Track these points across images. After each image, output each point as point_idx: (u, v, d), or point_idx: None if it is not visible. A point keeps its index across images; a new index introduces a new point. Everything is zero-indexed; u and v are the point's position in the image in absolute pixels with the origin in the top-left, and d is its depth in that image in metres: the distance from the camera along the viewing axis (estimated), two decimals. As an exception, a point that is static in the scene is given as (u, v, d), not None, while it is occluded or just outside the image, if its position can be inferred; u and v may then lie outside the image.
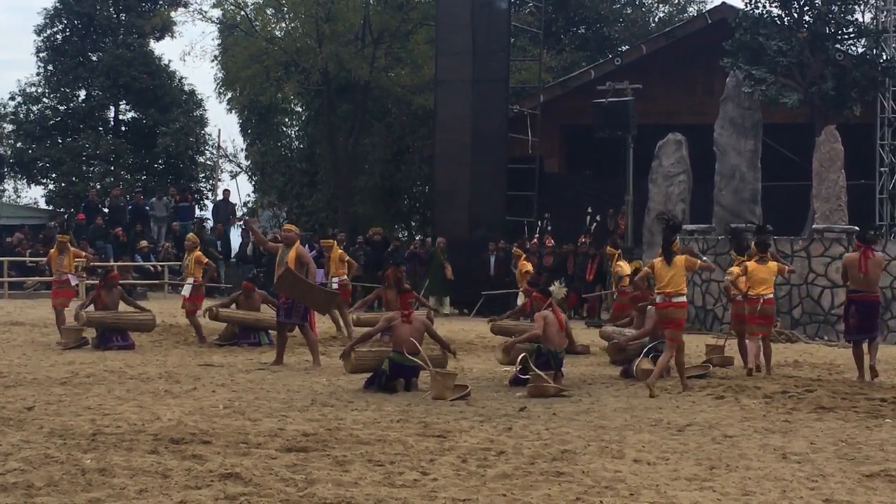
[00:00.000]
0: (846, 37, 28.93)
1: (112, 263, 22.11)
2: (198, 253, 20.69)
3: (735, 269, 16.99)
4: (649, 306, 16.33)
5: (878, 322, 16.82)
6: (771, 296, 16.67)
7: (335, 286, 21.02)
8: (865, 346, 16.24)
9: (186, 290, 20.58)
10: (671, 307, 14.80)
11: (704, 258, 16.16)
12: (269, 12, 38.98)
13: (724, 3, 32.89)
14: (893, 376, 16.77)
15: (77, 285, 20.84)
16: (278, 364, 16.84)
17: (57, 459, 9.24)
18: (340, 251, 22.08)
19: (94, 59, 42.78)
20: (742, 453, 10.23)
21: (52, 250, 20.95)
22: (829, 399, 13.62)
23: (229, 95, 42.88)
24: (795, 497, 8.62)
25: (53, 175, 42.27)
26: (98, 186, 39.20)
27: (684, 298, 14.98)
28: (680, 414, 12.66)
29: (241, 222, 32.94)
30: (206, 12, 39.28)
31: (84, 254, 21.31)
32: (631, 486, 8.82)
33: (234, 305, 20.49)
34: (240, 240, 35.52)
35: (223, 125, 78.50)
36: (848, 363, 17.68)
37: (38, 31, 42.79)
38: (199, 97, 44.87)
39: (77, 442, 10.04)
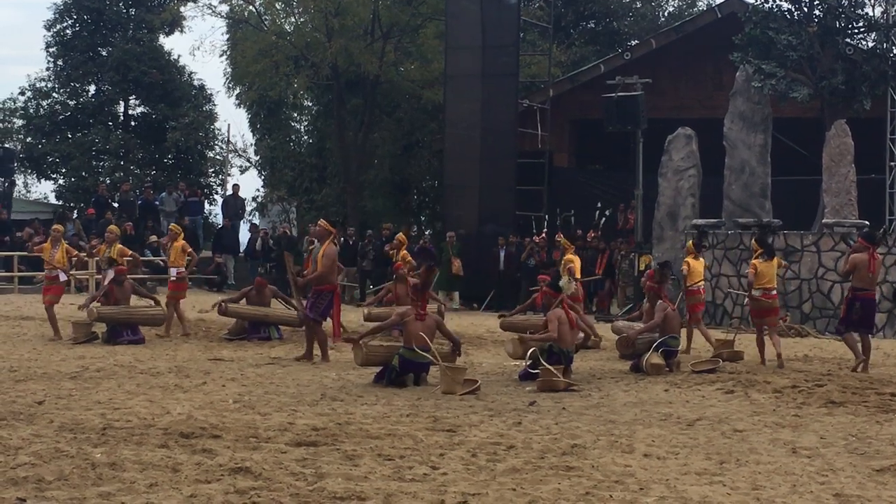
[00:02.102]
0: (856, 31, 28.84)
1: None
2: (119, 245, 20.77)
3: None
4: (659, 301, 16.36)
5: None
6: (776, 291, 18.03)
7: (174, 277, 20.98)
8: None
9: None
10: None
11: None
12: (278, 7, 38.96)
13: (733, -3, 32.84)
14: (903, 371, 16.80)
15: (65, 281, 20.65)
16: (308, 359, 16.76)
17: (67, 454, 9.26)
18: (183, 242, 21.88)
19: (104, 54, 42.78)
20: (752, 448, 10.23)
21: (45, 243, 20.82)
22: (839, 394, 13.61)
23: (238, 90, 42.90)
24: (805, 491, 8.61)
25: (63, 170, 42.30)
26: (108, 181, 39.23)
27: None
28: (690, 408, 12.66)
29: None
30: (215, 7, 39.24)
31: (76, 252, 21.24)
32: (641, 480, 8.82)
33: (244, 300, 20.58)
34: (248, 235, 35.59)
35: (232, 120, 78.43)
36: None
37: (48, 27, 42.83)
38: (209, 92, 44.95)
39: (87, 436, 10.06)
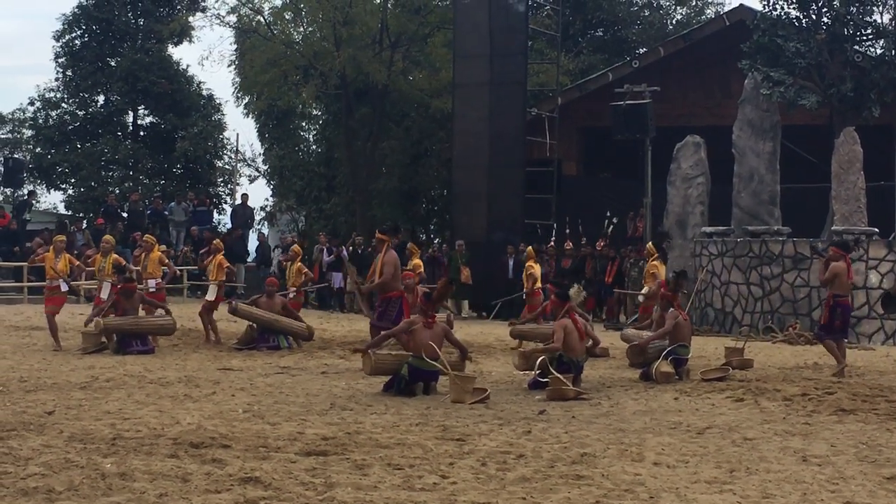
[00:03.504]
0: (865, 38, 28.80)
1: (134, 267, 22.20)
2: (115, 255, 20.85)
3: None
4: (671, 309, 16.34)
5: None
6: None
7: (152, 288, 20.91)
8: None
9: (105, 292, 20.43)
10: None
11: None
12: (286, 16, 39.01)
13: (741, 4, 32.81)
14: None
15: (67, 291, 20.56)
16: None
17: (77, 464, 9.27)
18: (160, 253, 21.92)
19: (113, 64, 42.83)
20: (762, 456, 10.22)
21: (47, 253, 20.76)
22: (849, 401, 13.58)
23: (247, 100, 42.95)
24: (816, 500, 8.60)
25: (72, 180, 42.35)
26: (117, 191, 39.30)
27: None
28: (699, 416, 12.64)
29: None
30: (223, 17, 39.31)
31: (78, 262, 21.20)
32: (651, 489, 8.82)
33: (254, 307, 20.58)
34: (257, 243, 35.65)
35: (241, 130, 78.51)
36: (868, 365, 17.72)
37: (57, 37, 42.89)
38: (218, 102, 44.96)
39: (97, 446, 10.07)
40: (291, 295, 21.57)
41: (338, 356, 18.80)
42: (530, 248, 24.37)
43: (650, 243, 22.45)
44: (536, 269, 23.16)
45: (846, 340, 18.22)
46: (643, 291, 20.80)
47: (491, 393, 13.86)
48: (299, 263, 22.23)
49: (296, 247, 23.74)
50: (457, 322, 20.90)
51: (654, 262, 21.14)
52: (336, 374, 16.37)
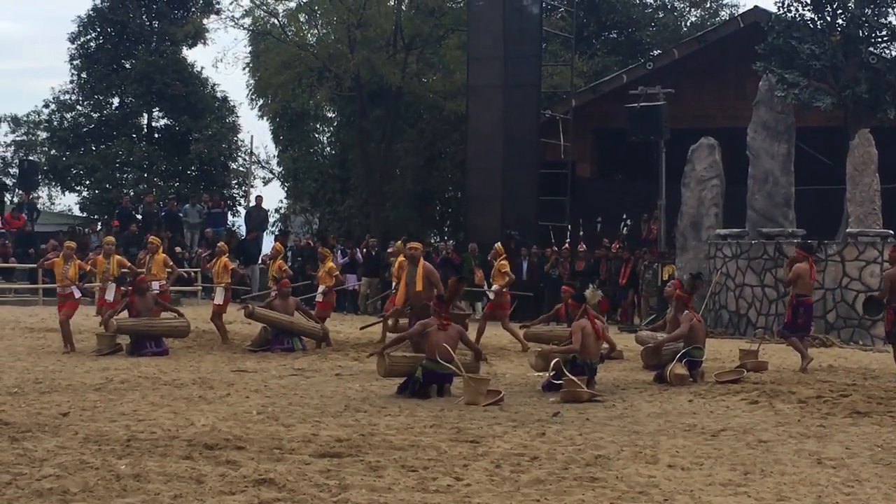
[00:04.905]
0: (879, 40, 28.74)
1: (141, 270, 22.22)
2: (118, 257, 20.94)
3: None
4: (685, 311, 16.29)
5: None
6: None
7: (155, 290, 20.87)
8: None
9: (110, 294, 20.41)
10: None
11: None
12: (301, 18, 39.05)
13: (756, 6, 32.81)
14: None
15: (80, 297, 20.47)
16: None
17: (92, 465, 9.28)
18: (164, 255, 21.94)
19: (128, 66, 42.91)
20: (777, 458, 10.19)
21: (57, 258, 20.68)
22: (864, 404, 13.54)
23: (261, 102, 43.00)
24: (831, 502, 8.58)
25: (87, 182, 42.44)
26: (131, 193, 39.36)
27: None
28: (714, 419, 12.62)
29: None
30: (238, 19, 39.35)
31: (88, 267, 21.16)
32: (665, 491, 8.80)
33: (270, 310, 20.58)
34: (272, 244, 35.66)
35: (255, 132, 78.56)
36: (883, 367, 17.67)
37: (72, 39, 42.99)
38: (232, 104, 45.03)
39: (112, 448, 10.09)
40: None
41: (352, 358, 18.80)
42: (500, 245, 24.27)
43: (498, 243, 23.15)
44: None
45: (809, 336, 19.37)
46: (493, 289, 21.25)
47: (505, 395, 13.85)
48: (280, 261, 22.28)
49: (277, 244, 24.19)
50: (471, 324, 20.86)
51: (503, 262, 21.82)
52: (350, 375, 16.38)
